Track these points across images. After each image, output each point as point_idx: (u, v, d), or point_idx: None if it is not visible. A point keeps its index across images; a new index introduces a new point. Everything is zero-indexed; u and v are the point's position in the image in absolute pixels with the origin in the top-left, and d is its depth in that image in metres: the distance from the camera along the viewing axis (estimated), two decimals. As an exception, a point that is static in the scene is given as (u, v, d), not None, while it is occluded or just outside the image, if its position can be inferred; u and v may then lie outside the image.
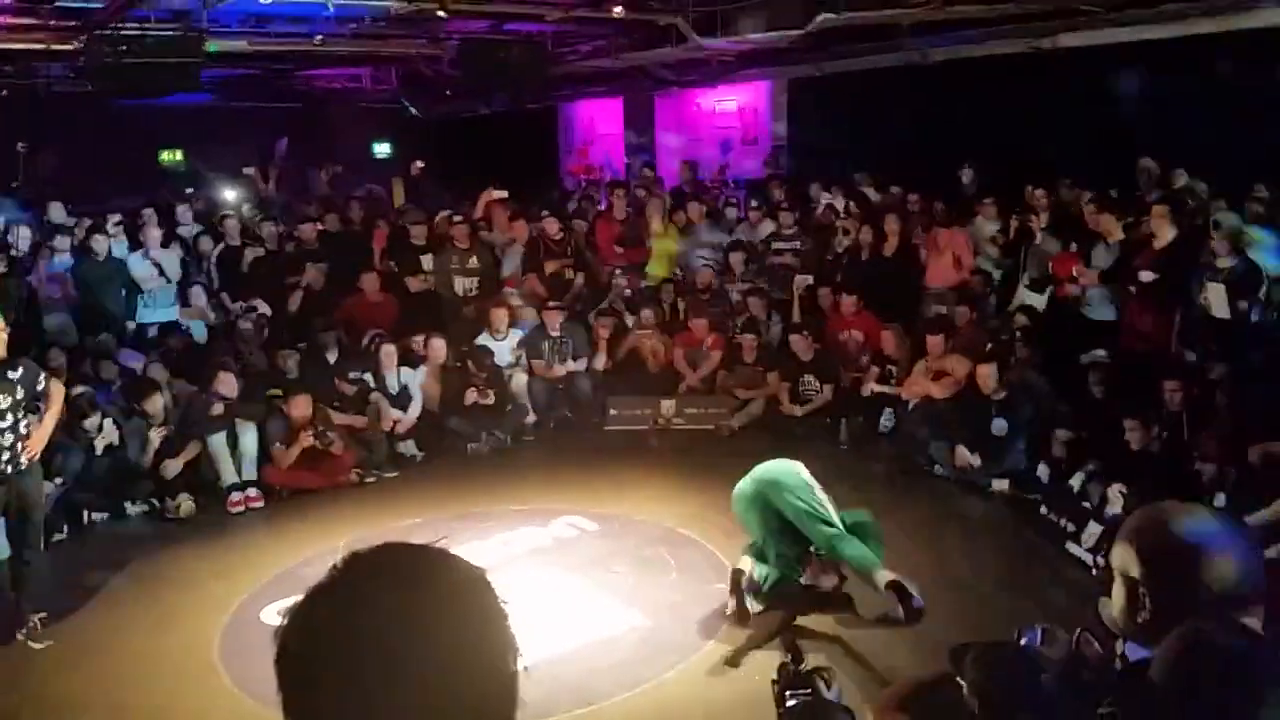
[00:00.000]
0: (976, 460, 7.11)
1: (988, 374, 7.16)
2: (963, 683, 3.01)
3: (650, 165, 12.41)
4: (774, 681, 2.59)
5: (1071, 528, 6.14)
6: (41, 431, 5.49)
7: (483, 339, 8.85)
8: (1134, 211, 8.03)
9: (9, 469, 5.23)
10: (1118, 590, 1.71)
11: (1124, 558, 1.68)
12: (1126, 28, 8.38)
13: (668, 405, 8.93)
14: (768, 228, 9.92)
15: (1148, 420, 6.32)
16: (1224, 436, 5.85)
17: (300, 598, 1.05)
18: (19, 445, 5.28)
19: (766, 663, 4.89)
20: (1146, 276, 7.45)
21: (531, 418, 8.83)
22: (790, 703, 2.52)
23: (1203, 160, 8.39)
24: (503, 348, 8.82)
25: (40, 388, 5.48)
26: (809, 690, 2.45)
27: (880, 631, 5.11)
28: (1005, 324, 8.23)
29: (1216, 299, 6.79)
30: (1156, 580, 1.61)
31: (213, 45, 9.09)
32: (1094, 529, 5.97)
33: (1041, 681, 2.93)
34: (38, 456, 5.49)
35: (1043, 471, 6.86)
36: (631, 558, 6.20)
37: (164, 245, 9.61)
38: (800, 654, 2.62)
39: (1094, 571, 5.68)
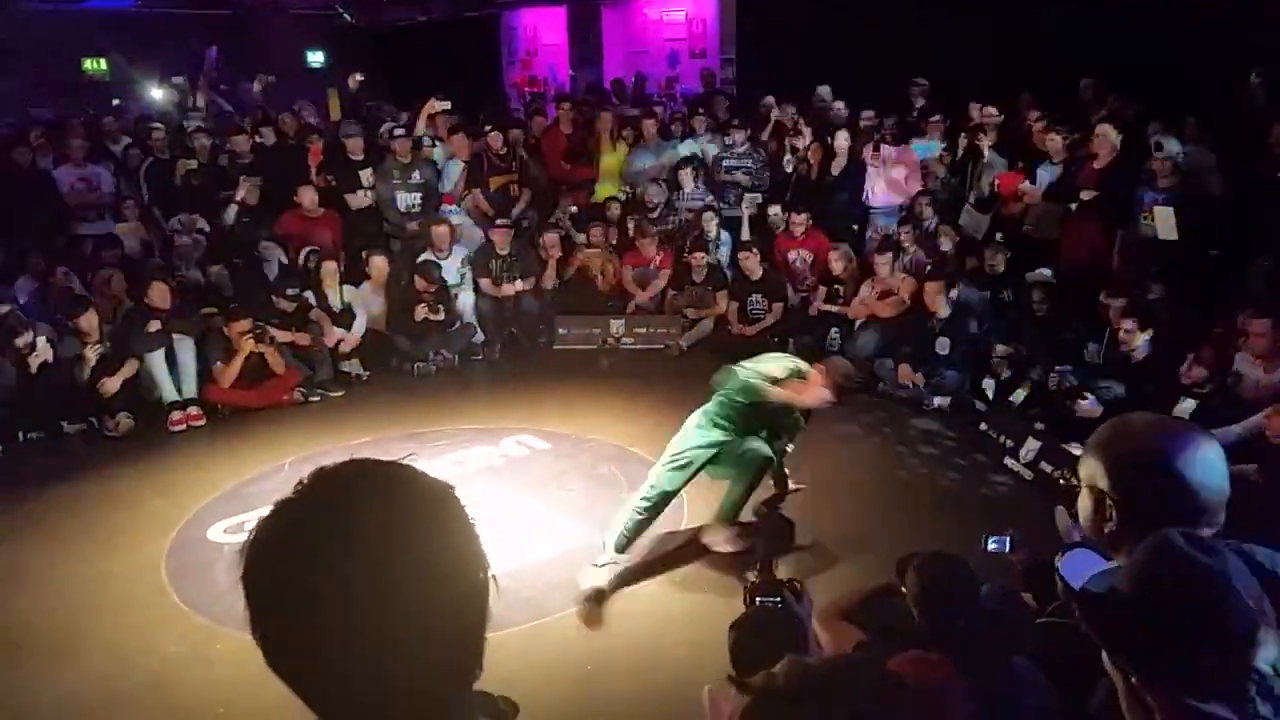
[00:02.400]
0: (920, 378, 7.24)
1: (935, 292, 7.23)
2: (904, 590, 3.11)
3: (597, 78, 12.14)
4: (748, 586, 2.65)
5: (1010, 443, 6.31)
6: None
7: (426, 255, 8.69)
8: (1080, 130, 8.08)
9: None
10: (1084, 501, 1.73)
11: (1091, 468, 1.70)
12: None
13: (617, 324, 8.92)
14: (717, 144, 9.79)
15: (1143, 324, 6.28)
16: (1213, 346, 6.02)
17: (266, 512, 1.02)
18: None
19: (717, 579, 5.00)
20: (1087, 195, 7.56)
21: (479, 337, 8.76)
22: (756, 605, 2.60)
23: (1143, 81, 8.42)
24: (447, 266, 8.67)
25: None
26: (778, 599, 2.51)
27: (817, 547, 5.22)
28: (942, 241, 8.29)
29: (1163, 222, 6.90)
30: (1122, 491, 1.63)
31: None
32: (1032, 444, 6.14)
33: (980, 592, 3.03)
34: None
35: (988, 386, 7.01)
36: (583, 475, 6.24)
37: (91, 158, 9.23)
38: (772, 562, 2.69)
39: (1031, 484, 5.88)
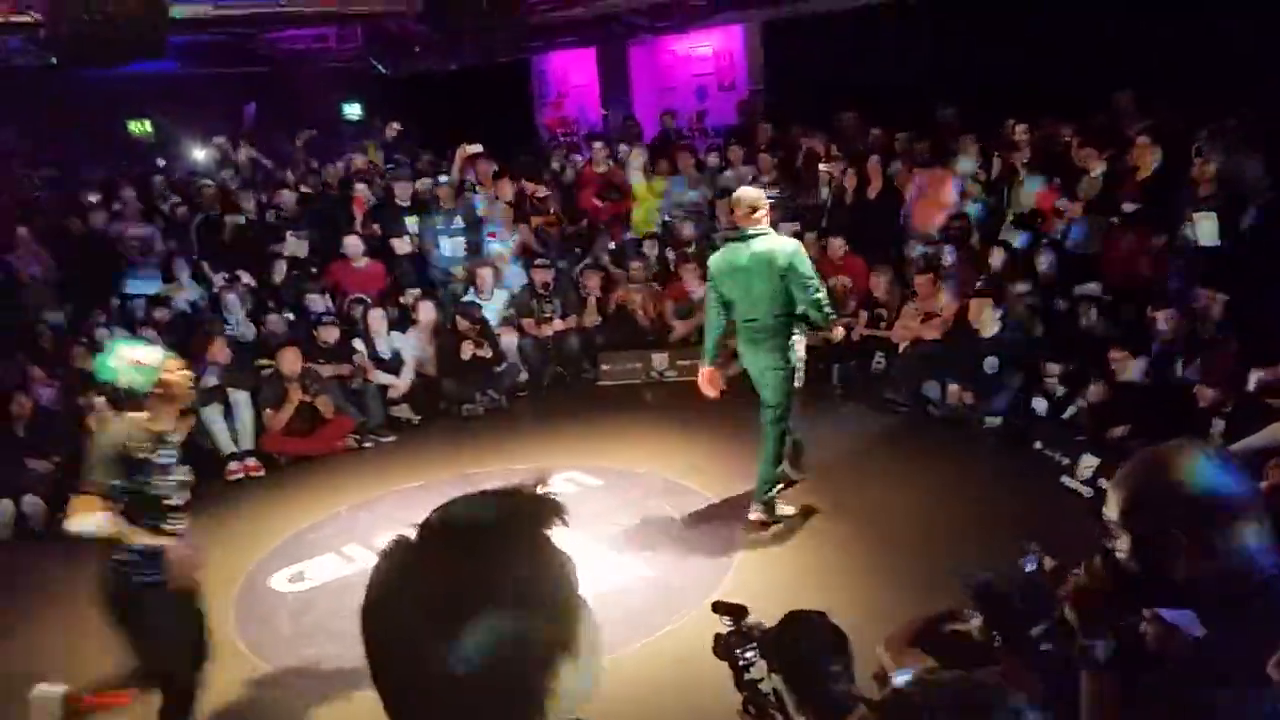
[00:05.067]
0: (969, 398, 7.19)
1: (982, 311, 7.20)
2: (973, 614, 3.08)
3: (630, 117, 12.27)
4: (722, 643, 2.59)
5: (1066, 461, 6.24)
6: None
7: (469, 297, 8.82)
8: (1115, 144, 8.05)
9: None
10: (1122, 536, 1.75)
11: (1125, 509, 1.72)
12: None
13: (659, 358, 8.96)
14: (749, 174, 9.87)
15: (1134, 351, 6.41)
16: (1219, 363, 5.92)
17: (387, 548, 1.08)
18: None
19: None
20: (1129, 207, 7.51)
21: (524, 376, 8.85)
22: (748, 655, 2.55)
23: (1182, 90, 8.38)
24: (490, 308, 8.79)
25: None
26: (754, 643, 2.49)
27: (877, 574, 5.19)
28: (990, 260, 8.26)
29: (1206, 228, 6.84)
30: (1135, 520, 1.66)
31: (176, 11, 8.87)
32: (1089, 461, 6.07)
33: (1049, 608, 3.00)
34: None
35: (1039, 405, 6.94)
36: (634, 510, 6.26)
37: (143, 217, 9.49)
38: (740, 612, 2.63)
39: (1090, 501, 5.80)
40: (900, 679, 1.23)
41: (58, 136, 12.66)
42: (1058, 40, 9.09)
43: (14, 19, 8.96)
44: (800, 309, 5.57)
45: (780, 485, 5.98)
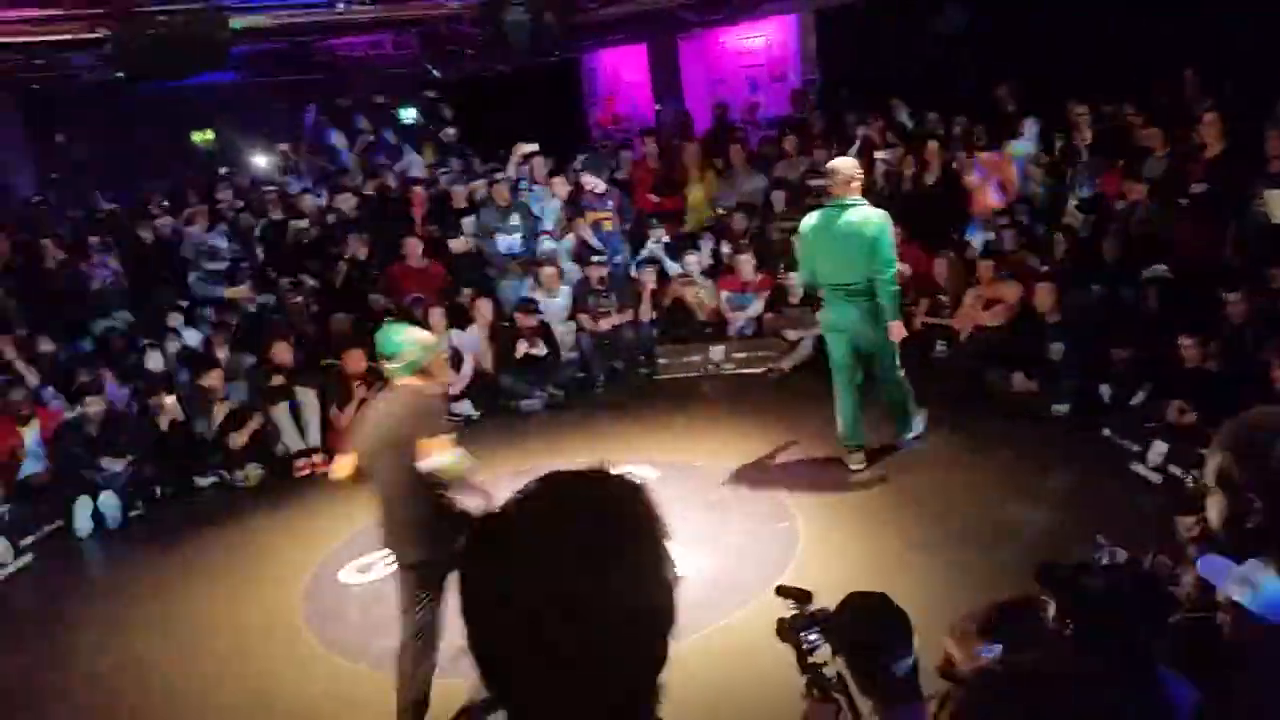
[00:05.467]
0: (1034, 385, 7.06)
1: (1045, 294, 7.06)
2: (1049, 602, 3.01)
3: (682, 111, 12.27)
4: (786, 626, 2.56)
5: (1136, 448, 6.10)
6: None
7: (528, 293, 8.90)
8: (1181, 123, 7.84)
9: None
10: (1218, 501, 1.70)
11: (1224, 466, 1.68)
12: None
13: (717, 351, 8.94)
14: (805, 164, 9.80)
15: (1204, 337, 6.23)
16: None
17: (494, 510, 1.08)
18: None
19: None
20: (1198, 188, 7.31)
21: (581, 372, 8.89)
22: (812, 638, 2.53)
23: (1248, 65, 8.12)
24: (555, 305, 8.87)
25: None
26: (818, 626, 2.47)
27: (940, 563, 5.13)
28: (1054, 245, 8.11)
29: (1276, 205, 6.63)
30: (1266, 482, 1.60)
31: (236, 22, 9.07)
32: (1159, 448, 5.93)
33: (1129, 600, 2.93)
34: None
35: (1104, 391, 6.78)
36: (696, 502, 6.26)
37: (209, 224, 9.74)
38: (804, 596, 2.61)
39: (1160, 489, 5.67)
40: (986, 654, 1.22)
41: (124, 148, 13.04)
42: (1118, 17, 8.89)
43: (83, 36, 9.24)
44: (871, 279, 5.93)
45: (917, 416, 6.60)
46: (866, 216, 5.94)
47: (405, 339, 4.11)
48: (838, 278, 6.04)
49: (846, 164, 6.21)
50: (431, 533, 3.95)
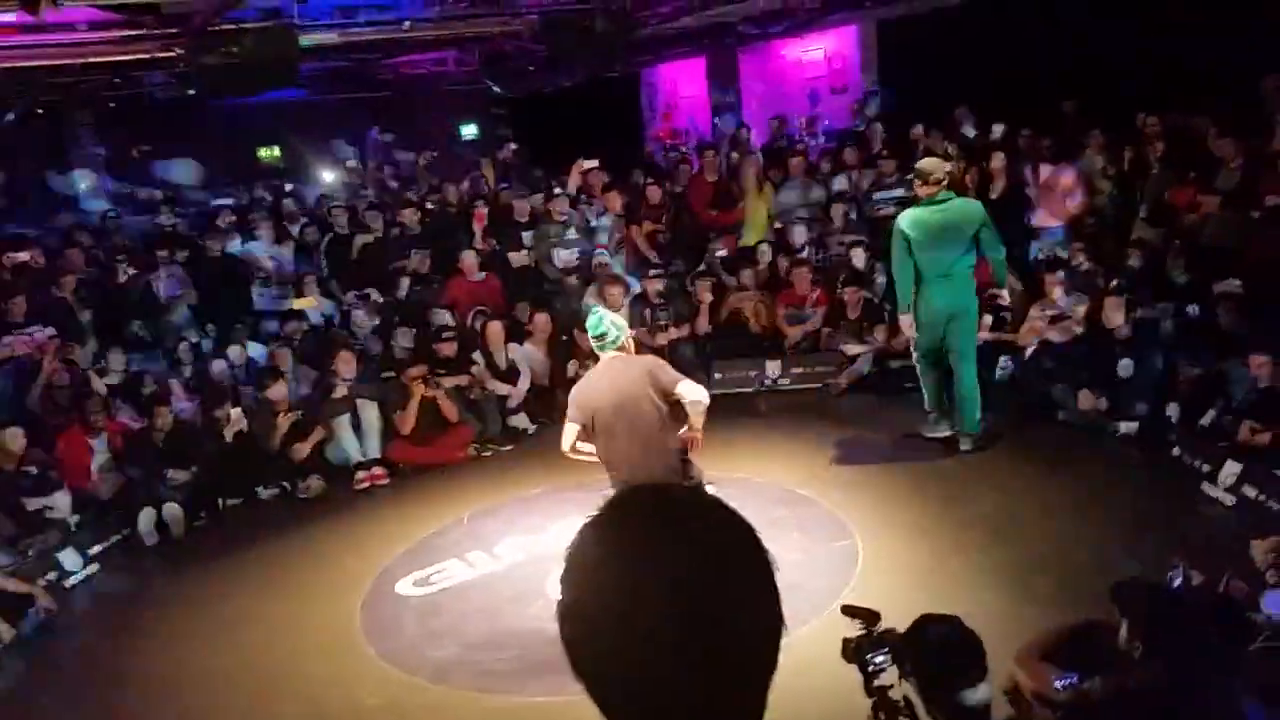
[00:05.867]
0: (1103, 403, 6.87)
1: (1115, 310, 6.89)
2: (1121, 622, 2.90)
3: (743, 125, 12.24)
4: (852, 647, 2.50)
5: (1207, 468, 5.91)
6: None
7: (586, 305, 8.91)
8: (1256, 133, 7.60)
9: None
10: None
11: None
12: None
13: (773, 366, 8.87)
14: (869, 177, 9.71)
15: (1277, 355, 6.01)
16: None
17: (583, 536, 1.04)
18: None
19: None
20: (1274, 200, 7.08)
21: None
22: (879, 660, 2.45)
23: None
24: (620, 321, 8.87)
25: None
26: (886, 648, 2.40)
27: (1005, 585, 5.00)
28: (1124, 260, 7.90)
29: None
30: None
31: (304, 40, 9.26)
32: (1232, 468, 5.73)
33: (1204, 625, 2.83)
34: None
35: (1172, 410, 6.58)
36: (753, 519, 6.16)
37: (275, 239, 9.95)
38: (872, 616, 2.54)
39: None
40: (1061, 683, 1.17)
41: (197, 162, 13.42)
42: (1187, 24, 8.64)
43: (158, 55, 9.51)
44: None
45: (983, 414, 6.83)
46: (966, 208, 6.57)
47: (608, 320, 4.76)
48: (939, 268, 6.49)
49: (933, 163, 6.67)
50: (680, 468, 4.72)
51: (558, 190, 9.63)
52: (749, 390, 8.82)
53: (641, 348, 8.76)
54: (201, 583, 6.37)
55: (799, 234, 9.55)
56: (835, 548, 5.70)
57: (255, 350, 8.79)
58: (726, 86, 14.14)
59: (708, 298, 9.25)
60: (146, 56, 9.51)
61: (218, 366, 8.25)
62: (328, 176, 13.98)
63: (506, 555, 6.10)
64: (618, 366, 4.71)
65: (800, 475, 6.77)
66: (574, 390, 4.87)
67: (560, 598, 1.02)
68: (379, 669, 5.01)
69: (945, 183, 6.54)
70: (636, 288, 9.31)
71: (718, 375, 8.96)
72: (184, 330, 9.03)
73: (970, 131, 9.96)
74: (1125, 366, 6.82)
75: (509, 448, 8.13)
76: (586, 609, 1.00)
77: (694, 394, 4.57)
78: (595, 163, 10.30)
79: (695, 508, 1.05)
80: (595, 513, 1.04)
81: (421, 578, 5.89)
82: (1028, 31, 9.88)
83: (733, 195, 10.22)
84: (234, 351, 8.55)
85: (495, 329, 8.57)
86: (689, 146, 13.35)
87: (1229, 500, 5.66)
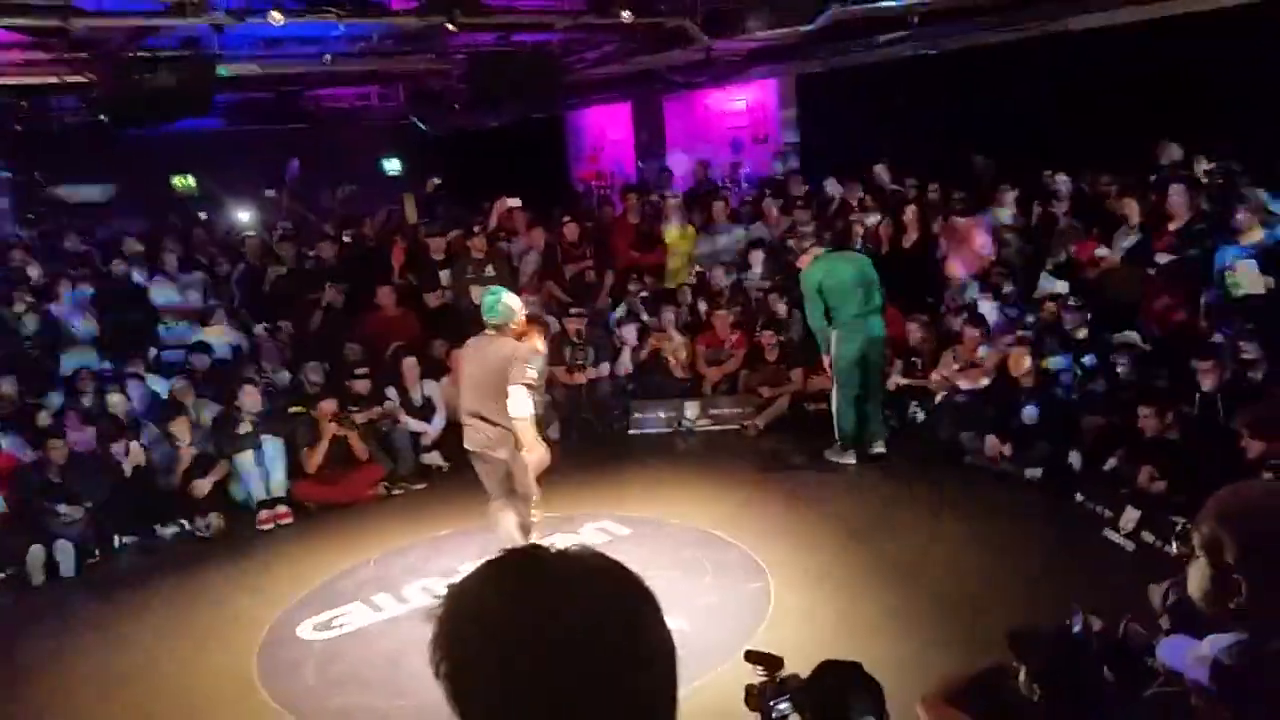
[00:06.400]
0: (1008, 449, 7.04)
1: (1023, 361, 7.09)
2: (1020, 668, 2.93)
3: (667, 170, 12.39)
4: (755, 694, 2.49)
5: (1108, 514, 6.07)
6: None
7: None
8: (1153, 194, 7.94)
9: None
10: (1201, 572, 1.66)
11: (1212, 540, 1.63)
12: (1140, 6, 8.32)
13: (691, 407, 8.90)
14: (785, 225, 9.87)
15: (1162, 408, 6.25)
16: (1267, 413, 5.74)
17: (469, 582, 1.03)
18: None
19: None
20: (1163, 258, 7.39)
21: (554, 424, 8.79)
22: (781, 707, 2.44)
23: (1225, 139, 8.24)
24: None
25: None
26: (788, 695, 2.39)
27: (914, 628, 5.05)
28: (1031, 311, 8.14)
29: (1248, 276, 6.70)
30: (1255, 565, 1.56)
31: (224, 70, 9.10)
32: (1131, 514, 5.90)
33: (1101, 668, 2.86)
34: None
35: (1074, 458, 6.77)
36: (666, 561, 6.15)
37: (183, 268, 9.66)
38: (774, 662, 2.53)
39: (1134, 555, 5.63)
40: None
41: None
42: (1092, 89, 9.05)
43: (69, 79, 9.24)
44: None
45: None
46: (862, 258, 7.72)
47: (503, 303, 5.32)
48: (855, 310, 7.36)
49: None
50: (506, 441, 5.31)
51: (476, 228, 9.55)
52: (667, 431, 8.83)
53: (556, 382, 8.80)
54: (92, 626, 6.06)
55: (719, 276, 9.66)
56: (748, 590, 5.68)
57: (157, 383, 8.48)
58: (652, 132, 14.31)
59: (633, 341, 9.26)
60: (55, 80, 9.24)
61: (117, 398, 7.92)
62: (243, 207, 13.68)
63: (414, 598, 5.94)
64: (493, 342, 5.31)
65: (716, 516, 6.76)
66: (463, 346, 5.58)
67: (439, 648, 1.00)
68: (276, 716, 4.81)
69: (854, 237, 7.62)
70: (553, 326, 9.27)
71: (636, 415, 8.97)
72: (83, 360, 8.66)
73: (887, 183, 10.22)
74: (1029, 413, 7.01)
75: (421, 486, 7.96)
76: (469, 658, 0.98)
77: (514, 405, 5.12)
78: (518, 201, 10.29)
79: (578, 566, 1.05)
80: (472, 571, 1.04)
81: (323, 621, 5.70)
82: (940, 90, 10.23)
83: (655, 237, 10.29)
84: (134, 383, 8.22)
85: (411, 364, 8.44)
86: (613, 188, 13.44)
87: (1129, 546, 5.82)
